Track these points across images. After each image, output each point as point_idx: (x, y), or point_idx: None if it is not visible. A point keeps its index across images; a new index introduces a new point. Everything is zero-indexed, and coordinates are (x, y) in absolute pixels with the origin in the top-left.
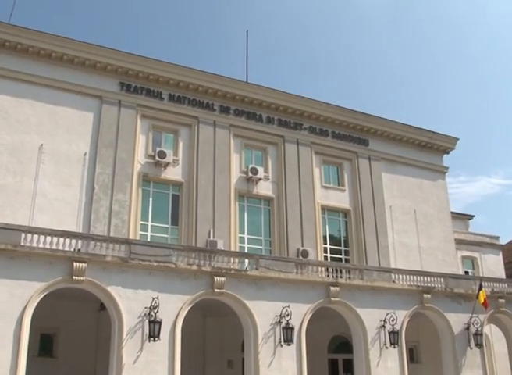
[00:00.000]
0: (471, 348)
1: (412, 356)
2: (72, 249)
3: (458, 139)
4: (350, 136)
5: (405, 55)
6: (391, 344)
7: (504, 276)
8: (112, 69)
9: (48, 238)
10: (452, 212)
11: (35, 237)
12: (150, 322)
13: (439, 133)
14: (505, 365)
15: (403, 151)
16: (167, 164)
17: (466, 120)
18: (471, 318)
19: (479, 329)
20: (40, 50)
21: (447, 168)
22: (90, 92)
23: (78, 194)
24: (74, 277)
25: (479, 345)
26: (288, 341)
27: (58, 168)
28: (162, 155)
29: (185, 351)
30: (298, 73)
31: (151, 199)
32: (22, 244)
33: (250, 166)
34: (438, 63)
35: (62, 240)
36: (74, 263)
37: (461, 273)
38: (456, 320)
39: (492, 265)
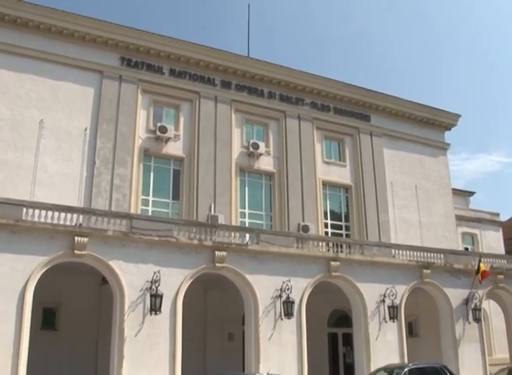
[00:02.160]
0: (470, 323)
1: (411, 330)
2: (73, 224)
3: (460, 116)
4: (351, 111)
5: (408, 31)
6: (390, 318)
7: (504, 253)
8: (113, 43)
9: (50, 213)
10: (453, 189)
11: (36, 211)
12: (151, 295)
13: (441, 110)
14: (502, 339)
15: (405, 127)
16: (168, 139)
17: (468, 97)
18: (469, 293)
19: (478, 304)
20: (40, 24)
21: (449, 144)
22: (91, 67)
23: (79, 169)
24: (76, 252)
25: (477, 320)
26: (288, 314)
27: (59, 143)
28: (163, 129)
29: (186, 325)
30: (300, 47)
31: (152, 174)
32: (23, 218)
33: (252, 141)
34: (441, 39)
35: (63, 214)
36: (75, 238)
37: (461, 249)
38: (455, 295)
39: (492, 241)
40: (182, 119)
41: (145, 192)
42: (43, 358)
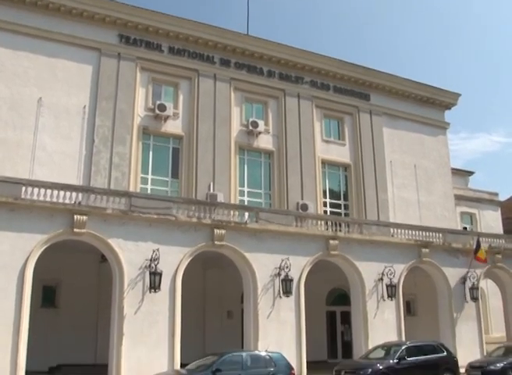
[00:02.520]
0: (467, 302)
1: (409, 309)
2: (72, 202)
3: (460, 95)
4: (351, 90)
5: (409, 10)
6: (388, 296)
7: (502, 232)
8: (111, 20)
9: (49, 191)
10: (452, 168)
11: (36, 190)
12: (150, 273)
13: (440, 89)
14: (499, 318)
15: (405, 106)
16: (167, 117)
17: (468, 76)
18: (467, 272)
19: (475, 283)
20: (38, 1)
21: (448, 124)
22: (89, 44)
23: (78, 147)
24: (75, 230)
25: (475, 299)
26: (287, 292)
27: (58, 121)
28: (162, 108)
29: (185, 302)
30: (300, 26)
31: (151, 152)
32: (22, 197)
33: (251, 120)
34: (442, 18)
35: (62, 193)
36: (75, 216)
37: (460, 228)
38: (454, 274)
39: (490, 221)
40: (181, 98)
41: (144, 170)
42: (43, 336)
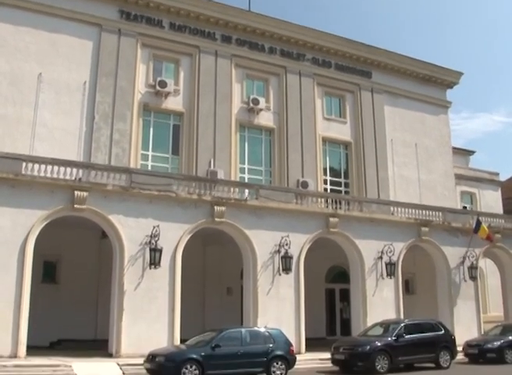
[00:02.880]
0: (466, 281)
1: (408, 287)
2: (73, 178)
3: (462, 74)
4: (353, 68)
5: None
6: (387, 275)
7: (502, 212)
8: None
9: (49, 167)
10: (453, 148)
11: (36, 166)
12: (151, 250)
13: (443, 67)
14: (497, 298)
15: (407, 84)
16: (168, 94)
17: (471, 55)
18: (466, 252)
19: (474, 262)
20: None
21: (450, 102)
22: (90, 20)
23: (78, 124)
24: (75, 206)
25: (473, 278)
26: (286, 269)
27: (58, 97)
28: (163, 84)
29: (185, 279)
30: (302, 2)
31: (151, 129)
32: (23, 173)
33: (252, 97)
34: None
35: (63, 169)
36: (75, 192)
37: (460, 207)
38: (453, 253)
39: (490, 200)
40: (182, 74)
41: (145, 147)
42: (44, 311)
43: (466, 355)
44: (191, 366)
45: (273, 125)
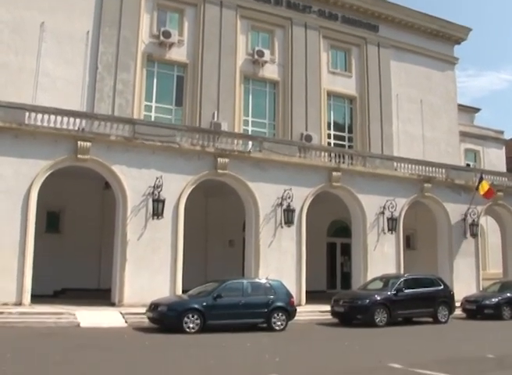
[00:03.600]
0: (466, 238)
1: (408, 243)
2: (76, 128)
3: (471, 29)
4: (359, 21)
5: None
6: (389, 230)
7: (505, 171)
8: None
9: (52, 117)
10: (458, 105)
11: (39, 115)
12: (153, 200)
13: (451, 22)
14: (497, 255)
15: (414, 39)
16: (172, 44)
17: (478, 12)
18: (468, 209)
19: (476, 220)
20: None
21: (457, 59)
22: None
23: (81, 74)
24: (79, 156)
25: (474, 235)
26: (288, 222)
27: (61, 46)
28: (167, 34)
29: (188, 230)
30: None
31: (155, 80)
32: (26, 122)
33: (257, 49)
34: None
35: (66, 119)
36: (78, 142)
37: (463, 165)
38: (455, 210)
39: (494, 159)
40: (186, 25)
41: (148, 98)
42: (48, 260)
43: (464, 310)
44: (193, 316)
45: (278, 78)
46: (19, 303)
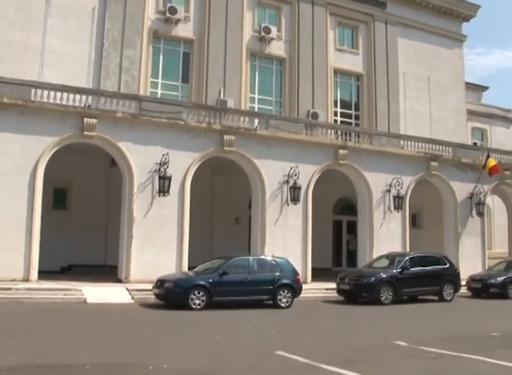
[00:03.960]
0: (473, 217)
1: (414, 221)
2: (82, 105)
3: (480, 7)
4: None
5: None
6: (395, 208)
7: None
8: None
9: (59, 94)
10: (465, 83)
11: (45, 92)
12: (160, 177)
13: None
14: (503, 235)
15: (422, 16)
16: (178, 20)
17: None
18: (475, 187)
19: (482, 199)
20: None
21: (465, 36)
22: None
23: (87, 50)
24: (85, 133)
25: (480, 214)
26: (295, 200)
27: (67, 23)
28: (173, 10)
29: (194, 207)
30: None
31: (161, 56)
32: (32, 99)
33: (263, 25)
34: None
35: (72, 96)
36: (85, 119)
37: (470, 143)
38: (461, 189)
39: (501, 137)
40: (192, 1)
41: (154, 75)
42: (55, 237)
43: (469, 289)
44: (199, 292)
45: (284, 55)
46: (26, 279)
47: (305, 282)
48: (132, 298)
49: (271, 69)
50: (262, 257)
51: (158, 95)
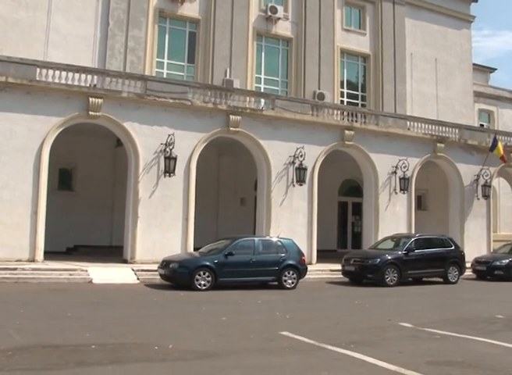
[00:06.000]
0: (478, 199)
1: (420, 203)
2: (88, 85)
3: None
4: None
5: None
6: (401, 189)
7: None
8: None
9: (64, 74)
10: (473, 64)
11: (50, 72)
12: (165, 158)
13: None
14: (508, 217)
15: None
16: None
17: None
18: (481, 170)
19: (488, 181)
20: None
21: (473, 17)
22: None
23: (93, 30)
24: (90, 113)
25: (486, 197)
26: (300, 181)
27: (72, 2)
28: None
29: (199, 188)
30: None
31: (167, 36)
32: (37, 79)
33: (270, 5)
34: None
35: (77, 75)
36: (90, 99)
37: (477, 125)
38: (467, 171)
39: (508, 120)
40: None
41: (160, 55)
42: (60, 217)
43: (474, 271)
44: (204, 273)
45: (291, 35)
46: (32, 259)
47: (310, 263)
48: (137, 278)
49: (277, 50)
50: (268, 238)
51: (164, 75)
